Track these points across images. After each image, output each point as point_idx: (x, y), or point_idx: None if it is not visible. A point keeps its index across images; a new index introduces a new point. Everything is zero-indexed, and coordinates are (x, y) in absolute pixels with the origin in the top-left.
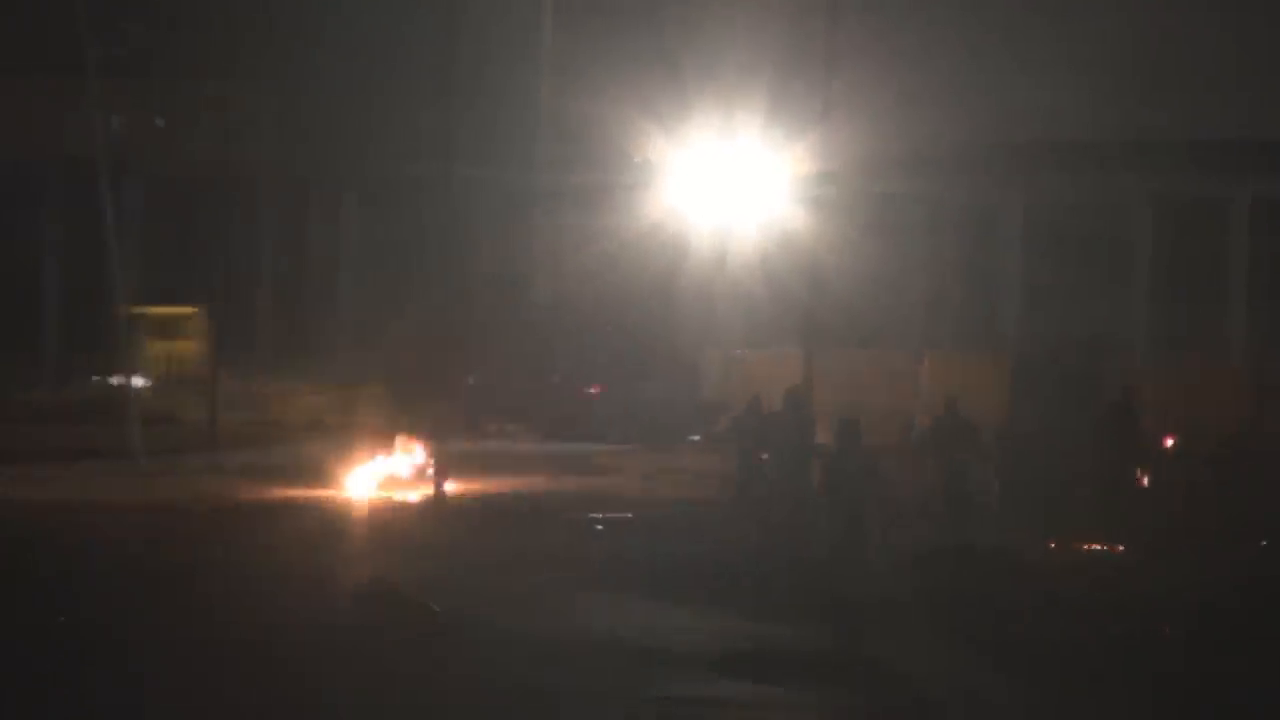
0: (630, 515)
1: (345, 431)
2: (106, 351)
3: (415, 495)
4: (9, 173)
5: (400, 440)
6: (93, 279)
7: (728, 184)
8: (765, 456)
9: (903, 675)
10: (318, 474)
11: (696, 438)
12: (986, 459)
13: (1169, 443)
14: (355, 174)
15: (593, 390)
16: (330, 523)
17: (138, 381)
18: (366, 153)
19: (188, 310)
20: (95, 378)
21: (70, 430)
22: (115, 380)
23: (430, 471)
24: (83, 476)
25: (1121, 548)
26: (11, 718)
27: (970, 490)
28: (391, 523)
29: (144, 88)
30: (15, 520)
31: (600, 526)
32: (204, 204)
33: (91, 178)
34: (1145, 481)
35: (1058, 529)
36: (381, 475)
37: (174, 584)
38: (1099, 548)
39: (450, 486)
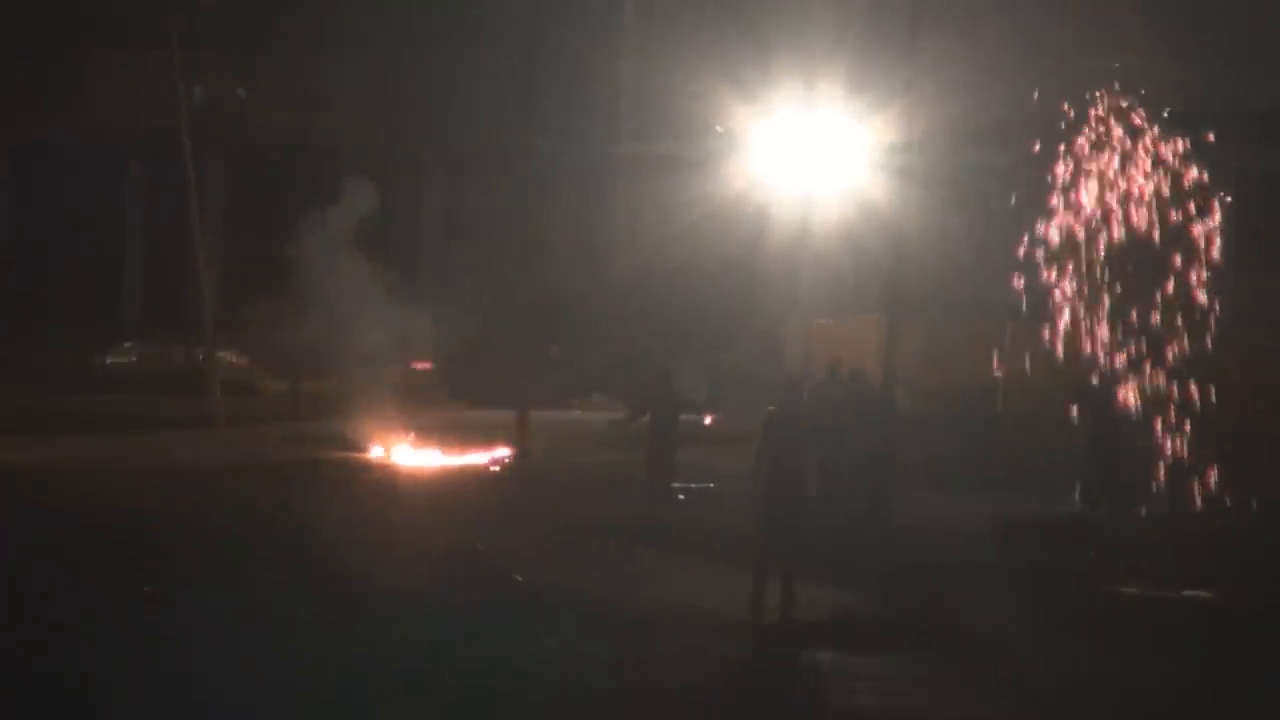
0: (712, 485)
1: (428, 401)
2: (187, 321)
3: (497, 463)
4: (92, 144)
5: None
6: (174, 249)
7: (810, 154)
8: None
9: (986, 643)
10: (398, 442)
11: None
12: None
13: None
14: (437, 144)
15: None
16: (410, 490)
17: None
18: (448, 123)
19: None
20: (168, 346)
21: (151, 400)
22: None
23: (511, 439)
24: (162, 445)
25: None
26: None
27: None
28: (473, 490)
29: (225, 59)
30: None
31: (682, 496)
32: (285, 174)
33: (173, 149)
34: None
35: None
36: (462, 443)
37: (249, 550)
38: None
39: (532, 454)
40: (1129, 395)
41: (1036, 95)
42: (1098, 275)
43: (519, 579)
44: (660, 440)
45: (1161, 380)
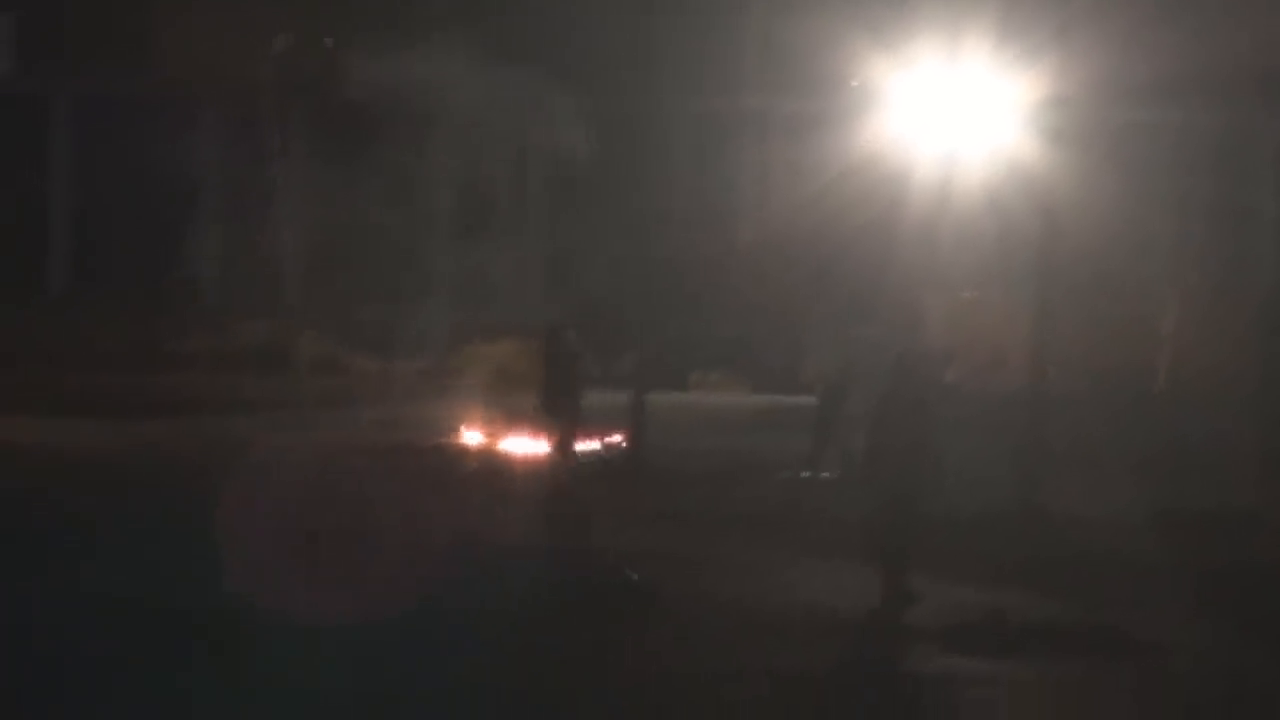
0: (829, 474)
1: (532, 383)
2: (268, 293)
3: (608, 451)
4: (165, 99)
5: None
6: (253, 213)
7: (953, 110)
8: None
9: (1145, 647)
10: (500, 429)
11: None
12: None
13: None
14: (542, 98)
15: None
16: (517, 481)
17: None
18: (555, 75)
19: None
20: (247, 321)
21: (229, 380)
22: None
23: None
24: (241, 430)
25: None
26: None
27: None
28: (585, 483)
29: (311, 4)
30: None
31: (814, 486)
32: (375, 132)
33: (253, 104)
34: None
35: None
36: (572, 430)
37: (349, 551)
38: None
39: (648, 442)
40: None
41: None
42: None
43: (636, 578)
44: (553, 414)
45: None
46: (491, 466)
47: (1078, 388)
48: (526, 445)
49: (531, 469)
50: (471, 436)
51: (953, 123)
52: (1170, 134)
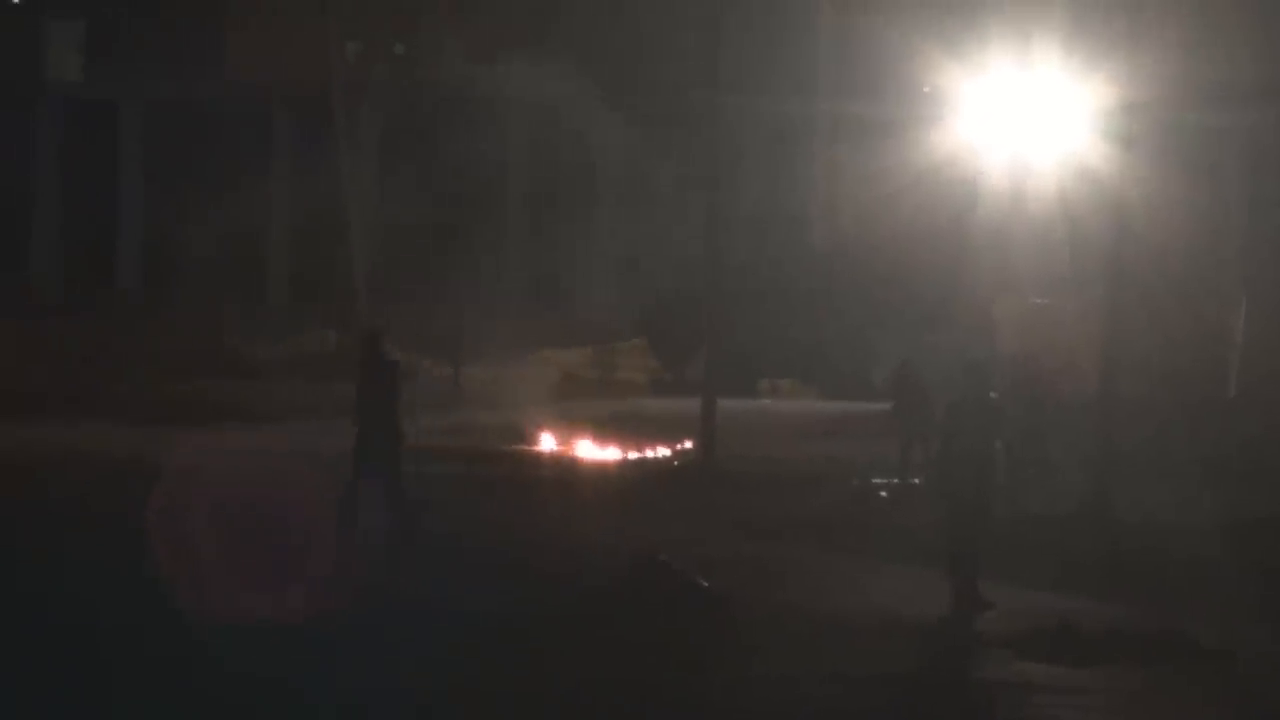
0: (918, 481)
1: (602, 388)
2: (339, 298)
3: (678, 458)
4: (237, 105)
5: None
6: (324, 218)
7: (1024, 116)
8: None
9: (1218, 652)
10: (572, 434)
11: (994, 394)
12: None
13: None
14: (611, 102)
15: None
16: (588, 487)
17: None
18: (624, 78)
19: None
20: (318, 327)
21: (300, 386)
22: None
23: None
24: (310, 437)
25: None
26: None
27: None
28: (653, 488)
29: (382, 11)
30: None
31: (885, 494)
32: (444, 135)
33: (324, 109)
34: None
35: None
36: (640, 435)
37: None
38: None
39: (717, 449)
40: None
41: None
42: None
43: (706, 584)
44: (369, 422)
45: None
46: (562, 471)
47: (1148, 392)
48: (597, 451)
49: (603, 473)
50: (544, 441)
51: (1024, 128)
52: (1240, 138)
